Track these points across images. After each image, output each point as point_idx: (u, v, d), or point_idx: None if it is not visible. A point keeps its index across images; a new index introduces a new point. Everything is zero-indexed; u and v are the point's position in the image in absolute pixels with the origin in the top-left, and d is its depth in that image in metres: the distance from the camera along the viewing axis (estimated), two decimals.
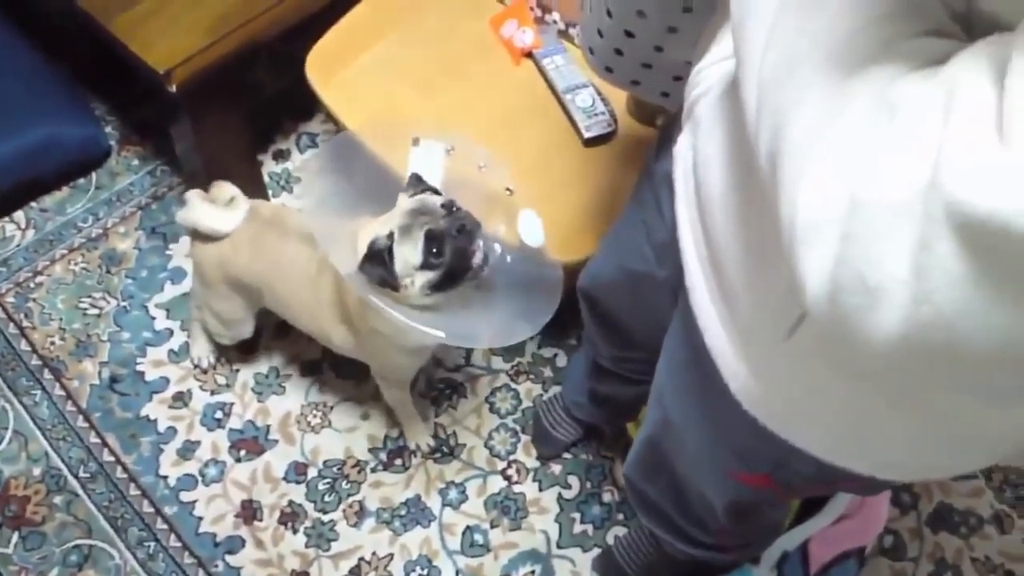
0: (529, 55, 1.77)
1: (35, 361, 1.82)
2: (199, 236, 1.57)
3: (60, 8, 1.81)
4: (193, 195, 1.58)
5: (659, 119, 1.68)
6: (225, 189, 1.61)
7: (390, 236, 1.29)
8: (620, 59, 1.05)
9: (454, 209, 1.31)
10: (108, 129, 2.14)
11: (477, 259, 1.30)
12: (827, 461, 0.75)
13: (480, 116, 1.71)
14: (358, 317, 1.46)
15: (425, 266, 1.28)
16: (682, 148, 0.80)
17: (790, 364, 0.69)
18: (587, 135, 1.66)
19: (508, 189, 1.49)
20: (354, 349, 1.56)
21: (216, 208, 1.57)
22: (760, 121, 0.55)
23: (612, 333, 1.32)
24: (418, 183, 1.37)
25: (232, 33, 1.67)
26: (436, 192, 1.37)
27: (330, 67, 1.76)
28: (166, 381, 1.81)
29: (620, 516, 1.71)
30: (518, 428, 1.79)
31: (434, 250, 1.27)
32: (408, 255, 1.28)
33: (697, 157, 0.76)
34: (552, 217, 1.58)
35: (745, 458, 0.86)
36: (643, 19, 0.96)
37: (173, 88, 1.62)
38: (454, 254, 1.28)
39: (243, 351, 1.85)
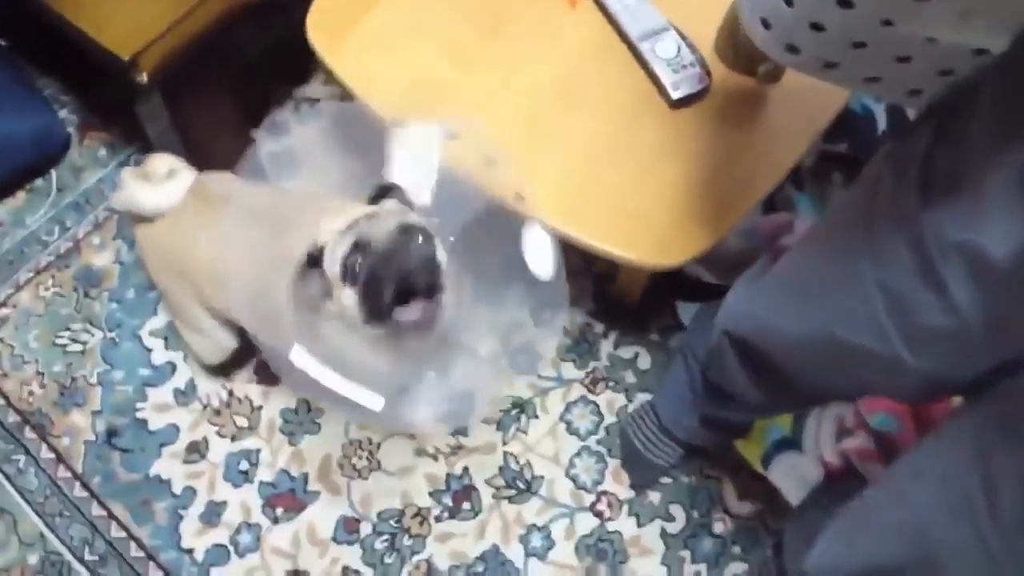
0: None
1: (12, 418, 1.50)
2: (141, 220, 1.32)
3: None
4: (126, 173, 1.33)
5: (763, 66, 1.33)
6: (160, 161, 1.33)
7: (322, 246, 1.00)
8: (818, 35, 0.71)
9: (410, 234, 0.99)
10: (63, 113, 1.76)
11: (412, 315, 0.98)
12: None
13: (527, 79, 1.34)
14: None
15: (344, 278, 0.99)
16: None
17: None
18: (676, 95, 1.31)
19: (518, 195, 1.14)
20: None
21: (151, 184, 1.30)
22: None
23: (772, 382, 1.01)
24: (385, 192, 1.07)
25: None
26: (406, 204, 1.07)
27: (338, 27, 1.39)
28: (175, 429, 1.50)
29: (736, 549, 1.44)
30: (604, 451, 1.50)
31: (355, 263, 0.97)
32: (331, 260, 1.00)
33: None
34: (634, 208, 1.26)
35: None
36: None
37: (143, 78, 1.26)
38: (368, 284, 0.97)
39: (263, 380, 1.54)
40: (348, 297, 0.99)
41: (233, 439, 1.49)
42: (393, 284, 0.96)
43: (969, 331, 0.62)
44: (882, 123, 1.62)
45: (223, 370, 1.51)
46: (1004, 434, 0.63)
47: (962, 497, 0.65)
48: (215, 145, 1.53)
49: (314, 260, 1.01)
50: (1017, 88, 0.59)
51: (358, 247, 0.98)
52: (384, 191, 1.08)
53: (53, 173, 1.71)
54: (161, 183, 1.31)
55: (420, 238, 0.99)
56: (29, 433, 1.49)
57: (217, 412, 1.51)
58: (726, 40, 1.33)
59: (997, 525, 0.62)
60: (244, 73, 1.77)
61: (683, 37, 1.35)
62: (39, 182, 1.70)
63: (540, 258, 1.07)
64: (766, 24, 0.74)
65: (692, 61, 1.33)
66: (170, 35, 1.27)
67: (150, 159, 1.35)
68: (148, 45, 1.25)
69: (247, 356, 1.50)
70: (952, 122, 0.64)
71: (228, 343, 1.41)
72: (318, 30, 1.38)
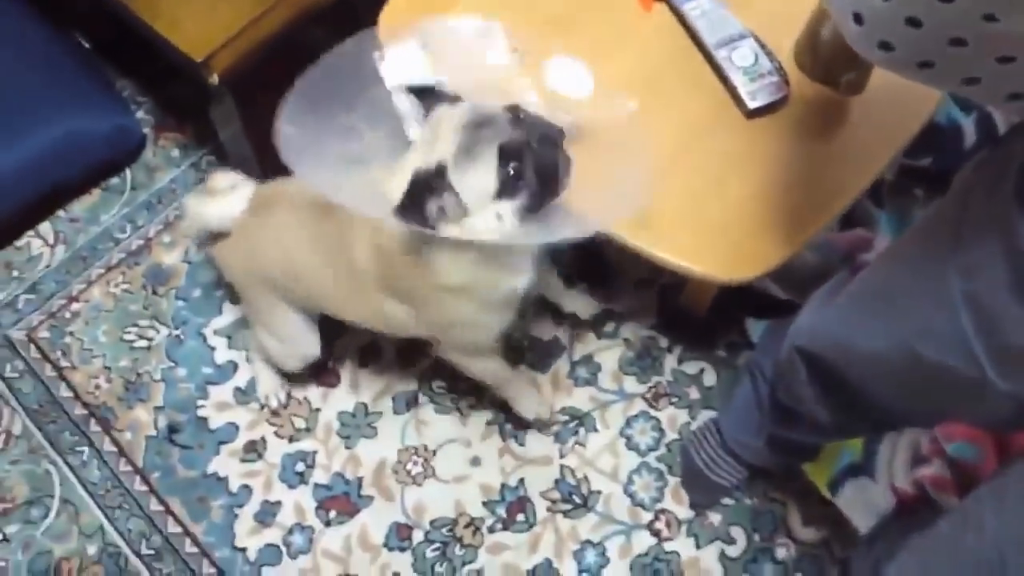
0: None
1: (79, 410, 1.53)
2: (215, 237, 1.35)
3: None
4: (188, 199, 1.38)
5: (847, 75, 1.28)
6: (221, 178, 1.37)
7: (441, 166, 0.97)
8: (914, 31, 0.66)
9: (521, 115, 1.00)
10: (140, 113, 1.80)
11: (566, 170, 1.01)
12: None
13: (601, 84, 1.32)
14: (413, 280, 1.15)
15: (504, 193, 0.98)
16: None
17: None
18: (752, 104, 1.26)
19: (515, 50, 1.17)
20: (418, 324, 1.25)
21: (215, 200, 1.33)
22: None
23: (844, 403, 0.96)
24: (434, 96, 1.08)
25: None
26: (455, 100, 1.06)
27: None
28: (234, 428, 1.51)
29: None
30: (664, 468, 1.46)
31: (513, 171, 0.97)
32: (478, 182, 0.98)
33: None
34: (705, 220, 1.22)
35: None
36: None
37: (215, 79, 1.27)
38: (541, 172, 0.99)
39: (322, 383, 1.54)
40: (499, 210, 0.99)
41: (290, 440, 1.50)
42: (564, 163, 1.00)
43: None
44: (970, 138, 1.55)
45: (297, 376, 1.52)
46: None
47: None
48: None
49: (424, 188, 0.98)
50: None
51: (507, 156, 0.97)
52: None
53: (128, 172, 1.74)
54: (224, 197, 1.33)
55: (525, 112, 1.00)
56: (94, 426, 1.51)
57: (275, 412, 1.51)
58: (807, 48, 1.29)
59: None
60: None
61: (761, 45, 1.30)
62: (114, 180, 1.73)
63: (575, 80, 1.12)
64: (858, 19, 0.70)
65: (770, 70, 1.28)
66: (242, 38, 1.28)
67: (211, 177, 1.39)
68: (221, 47, 1.26)
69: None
70: None
71: (310, 351, 1.42)
72: (389, 33, 1.37)
